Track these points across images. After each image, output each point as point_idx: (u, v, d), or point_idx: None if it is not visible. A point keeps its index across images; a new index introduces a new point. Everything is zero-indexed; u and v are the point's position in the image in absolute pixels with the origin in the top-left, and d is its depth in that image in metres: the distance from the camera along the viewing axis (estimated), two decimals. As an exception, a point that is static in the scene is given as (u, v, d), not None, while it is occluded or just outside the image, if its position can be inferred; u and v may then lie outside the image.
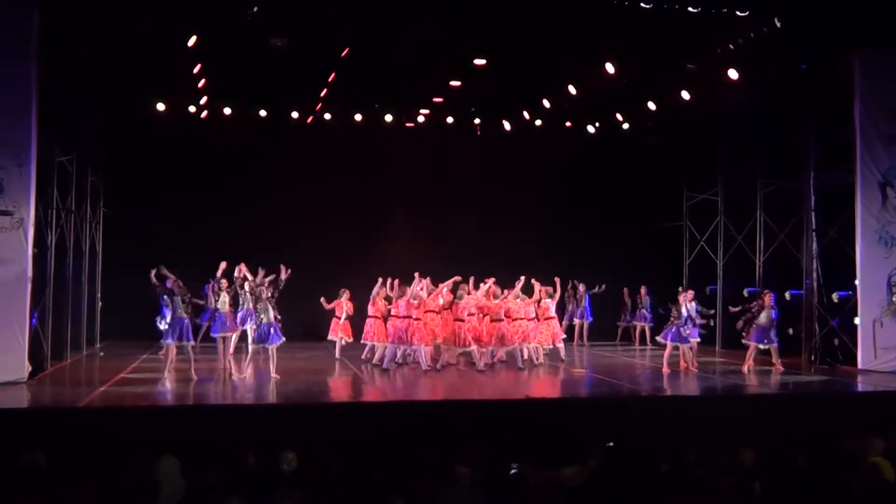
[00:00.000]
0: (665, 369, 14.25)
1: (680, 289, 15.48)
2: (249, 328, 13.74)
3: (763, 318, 14.19)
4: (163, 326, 12.72)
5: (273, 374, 12.80)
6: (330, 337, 16.11)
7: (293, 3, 13.06)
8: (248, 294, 13.60)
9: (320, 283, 19.12)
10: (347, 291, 16.06)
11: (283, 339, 13.13)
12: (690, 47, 14.77)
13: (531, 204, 20.31)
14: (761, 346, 14.34)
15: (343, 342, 15.90)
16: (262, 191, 19.19)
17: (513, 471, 6.82)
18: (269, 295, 12.95)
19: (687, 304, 14.33)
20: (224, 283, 14.42)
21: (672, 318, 14.42)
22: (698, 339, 14.89)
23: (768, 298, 14.31)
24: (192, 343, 13.02)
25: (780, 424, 10.15)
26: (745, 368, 14.19)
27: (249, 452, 7.17)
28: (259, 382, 12.72)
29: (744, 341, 14.52)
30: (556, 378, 14.14)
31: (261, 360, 13.51)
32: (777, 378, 13.81)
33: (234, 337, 14.73)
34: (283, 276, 13.14)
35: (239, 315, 14.45)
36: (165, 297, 12.54)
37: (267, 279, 13.10)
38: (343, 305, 16.00)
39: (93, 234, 17.63)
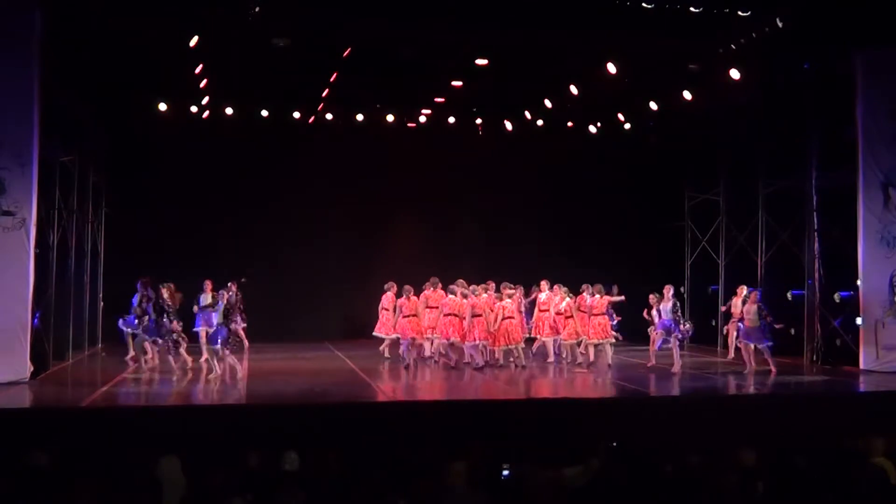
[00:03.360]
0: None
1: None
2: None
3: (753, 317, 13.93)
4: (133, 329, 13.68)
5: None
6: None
7: (295, 4, 13.07)
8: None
9: (320, 282, 19.22)
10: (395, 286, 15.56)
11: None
12: (692, 47, 14.76)
13: (532, 203, 20.32)
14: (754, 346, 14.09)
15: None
16: (264, 191, 19.21)
17: (505, 472, 6.80)
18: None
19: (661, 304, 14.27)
20: (208, 284, 15.12)
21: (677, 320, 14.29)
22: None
23: (754, 295, 14.14)
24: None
25: (782, 425, 10.14)
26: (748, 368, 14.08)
27: (251, 452, 7.17)
28: (261, 382, 12.73)
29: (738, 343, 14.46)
30: (558, 378, 14.13)
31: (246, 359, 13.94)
32: (770, 379, 13.57)
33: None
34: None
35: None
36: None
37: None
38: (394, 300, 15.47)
39: (94, 235, 17.65)
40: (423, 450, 7.68)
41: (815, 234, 15.18)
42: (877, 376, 13.73)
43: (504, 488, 6.52)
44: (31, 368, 12.33)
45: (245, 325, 15.78)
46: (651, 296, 14.75)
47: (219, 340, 12.77)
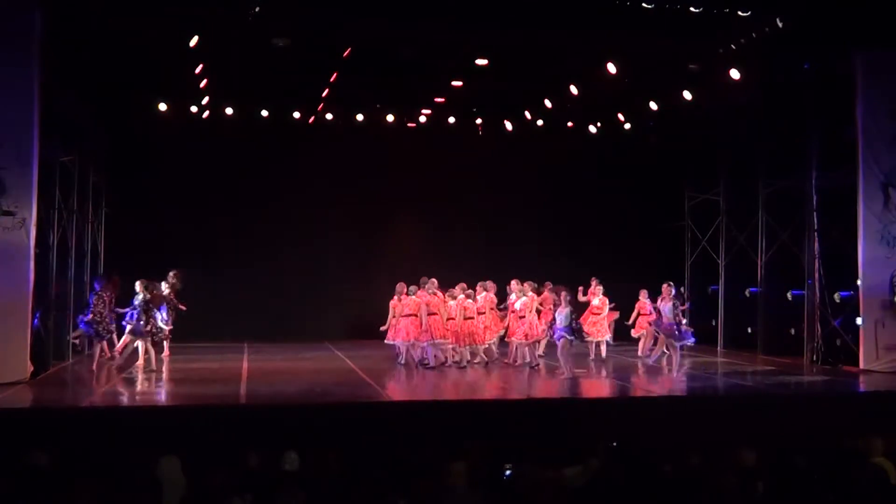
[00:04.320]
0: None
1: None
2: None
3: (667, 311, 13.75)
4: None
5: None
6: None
7: (295, 4, 13.07)
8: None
9: (320, 282, 19.21)
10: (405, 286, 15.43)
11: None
12: (692, 47, 14.75)
13: (532, 203, 20.32)
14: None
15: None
16: (263, 191, 19.21)
17: (507, 471, 6.81)
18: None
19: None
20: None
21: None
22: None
23: (668, 291, 13.90)
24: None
25: (782, 425, 10.15)
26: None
27: (251, 452, 7.18)
28: (261, 382, 12.72)
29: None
30: (557, 378, 14.11)
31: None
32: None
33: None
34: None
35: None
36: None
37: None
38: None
39: (94, 235, 17.65)
40: (423, 450, 7.69)
41: (815, 234, 15.17)
42: (876, 376, 13.74)
43: (504, 488, 6.52)
44: (31, 368, 12.33)
45: (170, 327, 15.06)
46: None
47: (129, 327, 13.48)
